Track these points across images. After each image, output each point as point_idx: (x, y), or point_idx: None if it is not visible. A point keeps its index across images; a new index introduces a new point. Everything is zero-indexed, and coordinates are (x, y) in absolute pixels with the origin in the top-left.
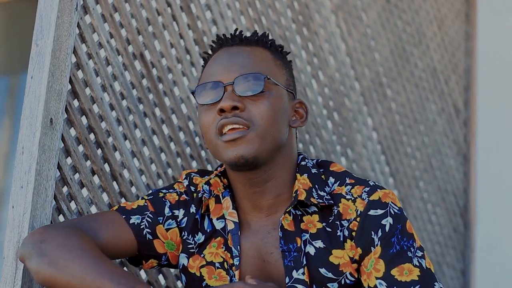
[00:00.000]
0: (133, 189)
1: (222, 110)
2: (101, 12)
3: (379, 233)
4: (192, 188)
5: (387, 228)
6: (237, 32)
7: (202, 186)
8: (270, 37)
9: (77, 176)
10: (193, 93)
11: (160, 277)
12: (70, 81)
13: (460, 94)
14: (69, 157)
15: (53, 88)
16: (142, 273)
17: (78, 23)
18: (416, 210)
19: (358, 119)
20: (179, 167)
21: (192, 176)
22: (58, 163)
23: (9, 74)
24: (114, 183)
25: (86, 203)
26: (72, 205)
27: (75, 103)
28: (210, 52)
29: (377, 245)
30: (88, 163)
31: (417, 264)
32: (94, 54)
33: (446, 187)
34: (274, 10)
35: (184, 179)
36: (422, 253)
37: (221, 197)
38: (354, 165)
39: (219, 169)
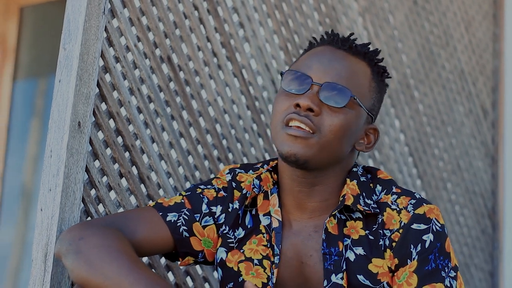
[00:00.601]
0: (161, 192)
1: (298, 106)
2: (128, 15)
3: (418, 248)
4: (234, 185)
5: (426, 244)
6: (350, 38)
7: (253, 180)
8: (378, 54)
9: (105, 179)
10: (281, 74)
11: (188, 279)
12: (98, 85)
13: (487, 95)
14: (97, 160)
15: (81, 91)
16: (170, 275)
17: (105, 26)
18: (444, 212)
19: (386, 121)
20: (206, 169)
21: (236, 172)
22: (86, 166)
23: (38, 76)
24: (142, 185)
25: (114, 205)
26: (100, 207)
27: (103, 106)
28: (318, 40)
29: (414, 259)
30: (116, 166)
31: (448, 285)
32: (121, 58)
33: (474, 189)
34: (301, 13)
35: (227, 174)
36: (455, 274)
37: (269, 193)
38: (381, 167)
39: (266, 166)
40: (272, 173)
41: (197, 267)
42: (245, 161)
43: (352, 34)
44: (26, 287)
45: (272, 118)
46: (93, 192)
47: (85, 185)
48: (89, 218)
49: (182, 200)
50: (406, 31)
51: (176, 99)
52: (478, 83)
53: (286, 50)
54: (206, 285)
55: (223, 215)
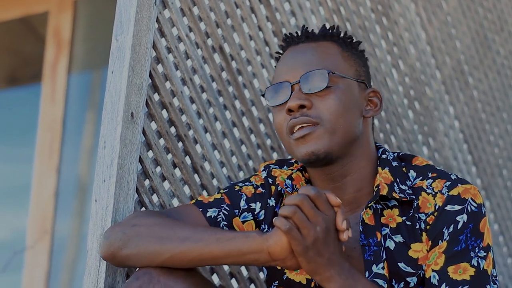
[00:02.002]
0: (214, 182)
1: (290, 110)
2: (179, 6)
3: (451, 229)
4: (270, 180)
5: (459, 225)
6: (303, 29)
7: (285, 181)
8: (339, 30)
9: (158, 169)
10: (262, 95)
11: (243, 268)
12: (150, 75)
13: None
14: (150, 151)
15: (134, 82)
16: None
17: (157, 17)
18: (499, 199)
19: (440, 108)
20: (259, 158)
21: (271, 168)
22: (140, 156)
23: (92, 69)
24: (196, 175)
25: (168, 196)
26: (154, 198)
27: (156, 97)
28: (281, 52)
29: (445, 239)
30: (170, 156)
31: (475, 264)
32: (173, 48)
33: None
34: (353, 0)
35: (263, 171)
36: (485, 254)
37: None
38: (436, 154)
39: (300, 163)
40: (303, 171)
41: (243, 268)
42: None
43: (303, 26)
44: (82, 278)
45: (278, 136)
46: (147, 182)
47: (139, 176)
48: (143, 208)
49: (222, 197)
50: (460, 16)
51: (228, 88)
52: None
53: None
54: (261, 274)
55: (263, 211)
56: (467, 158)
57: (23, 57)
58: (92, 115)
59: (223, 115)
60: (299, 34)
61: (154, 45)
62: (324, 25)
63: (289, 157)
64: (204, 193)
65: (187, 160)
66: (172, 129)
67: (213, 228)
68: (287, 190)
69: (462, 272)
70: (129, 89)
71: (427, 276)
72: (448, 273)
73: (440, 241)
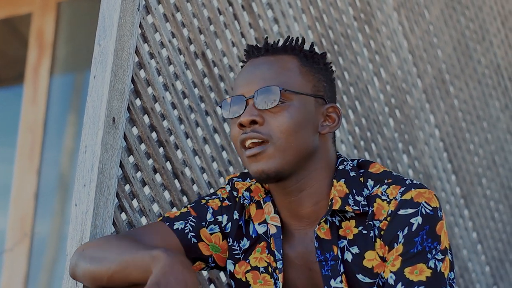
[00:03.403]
0: (195, 187)
1: (241, 125)
2: (163, 12)
3: (405, 231)
4: (234, 193)
5: (413, 227)
6: (265, 42)
7: (243, 193)
8: (302, 42)
9: (139, 174)
10: (220, 106)
11: (222, 274)
12: (132, 81)
13: None
14: (131, 156)
15: (116, 87)
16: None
17: (140, 23)
18: (478, 207)
19: (420, 116)
20: (240, 165)
21: (234, 181)
22: (121, 161)
23: (74, 71)
24: (176, 181)
25: (148, 201)
26: (134, 203)
27: (137, 102)
28: (242, 64)
29: (400, 242)
30: (150, 161)
31: (432, 266)
32: (156, 54)
33: (510, 184)
34: (336, 8)
35: (227, 184)
36: (443, 257)
37: (262, 202)
38: (416, 163)
39: None
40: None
41: (221, 274)
42: None
43: (266, 37)
44: (61, 280)
45: (235, 149)
46: (127, 187)
47: (119, 180)
48: (123, 213)
49: (188, 210)
50: (442, 25)
51: (210, 94)
52: None
53: (321, 45)
54: None
55: (229, 223)
56: (447, 167)
57: (5, 58)
58: (74, 117)
59: (204, 121)
60: (259, 47)
61: (137, 50)
62: (288, 37)
63: None
64: (185, 199)
65: (168, 165)
66: (153, 135)
67: (144, 246)
68: (244, 202)
69: (418, 273)
70: (111, 94)
71: (385, 277)
72: (405, 274)
73: (395, 244)
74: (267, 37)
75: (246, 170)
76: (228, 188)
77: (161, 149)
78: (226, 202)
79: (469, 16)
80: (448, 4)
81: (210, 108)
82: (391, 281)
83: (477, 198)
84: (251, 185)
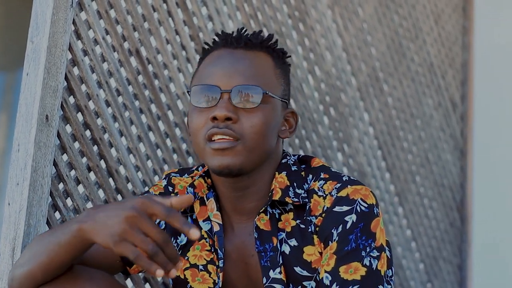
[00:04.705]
0: (129, 186)
1: (215, 118)
2: (96, 8)
3: (339, 229)
4: (170, 188)
5: (348, 225)
6: (243, 33)
7: (186, 189)
8: (275, 42)
9: (73, 172)
10: (188, 91)
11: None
12: (66, 78)
13: (457, 88)
14: (65, 154)
15: (49, 85)
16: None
17: (73, 20)
18: (412, 205)
19: (355, 114)
20: (175, 163)
21: (171, 176)
22: (54, 159)
23: (6, 70)
24: (110, 179)
25: (82, 199)
26: (68, 201)
27: (71, 99)
28: (211, 45)
29: (334, 240)
30: (84, 159)
31: (367, 264)
32: (89, 51)
33: (443, 182)
34: (270, 6)
35: (163, 179)
36: (378, 254)
37: (205, 198)
38: (350, 160)
39: (201, 169)
40: (206, 178)
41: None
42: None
43: (242, 28)
44: None
45: (192, 136)
46: (61, 186)
47: (53, 179)
48: (57, 212)
49: None
50: (376, 24)
51: (144, 92)
52: (447, 76)
53: None
54: None
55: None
56: (381, 165)
57: None
58: (5, 117)
59: (138, 119)
60: (239, 38)
61: (70, 47)
62: (261, 31)
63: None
64: (119, 197)
65: (102, 163)
66: (87, 133)
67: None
68: None
69: (353, 271)
70: (44, 92)
71: (320, 277)
72: (339, 273)
73: (330, 241)
74: (243, 28)
75: (181, 167)
76: (164, 183)
77: (95, 147)
78: None
79: (403, 15)
80: (382, 3)
81: (144, 106)
82: (326, 282)
83: (411, 195)
84: (194, 180)
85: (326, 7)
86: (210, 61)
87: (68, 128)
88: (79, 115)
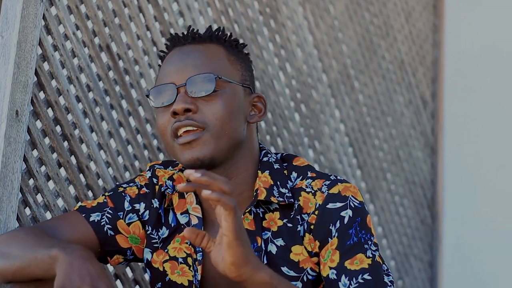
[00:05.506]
0: (100, 182)
1: (175, 113)
2: (66, 3)
3: (337, 225)
4: (155, 180)
5: (345, 220)
6: (191, 30)
7: (165, 182)
8: (225, 32)
9: (43, 168)
10: (147, 95)
11: (128, 270)
12: (36, 73)
13: (427, 86)
14: (35, 150)
15: (19, 80)
16: (109, 266)
17: (43, 14)
18: (383, 202)
19: (326, 111)
20: (146, 159)
21: (155, 168)
22: (24, 155)
23: None
24: (81, 175)
25: (52, 195)
26: (39, 197)
27: (41, 95)
28: (165, 51)
29: (334, 236)
30: (55, 155)
31: (370, 255)
32: (60, 46)
33: (414, 179)
34: (241, 2)
35: (148, 170)
36: (375, 248)
37: (184, 192)
38: (321, 157)
39: None
40: None
41: (128, 270)
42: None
43: (190, 26)
44: None
45: (161, 138)
46: (31, 181)
47: (23, 175)
48: (27, 208)
49: (105, 200)
50: (347, 21)
51: (115, 88)
52: (418, 74)
53: None
54: (146, 276)
55: (147, 211)
56: (352, 162)
57: None
58: None
59: (109, 115)
60: (186, 35)
61: (40, 42)
62: (210, 26)
63: None
64: (90, 193)
65: (73, 159)
66: (58, 128)
67: (47, 239)
68: (167, 191)
69: (359, 263)
70: (14, 87)
71: (324, 274)
72: (346, 266)
73: (329, 238)
74: (190, 26)
75: (154, 162)
76: (149, 174)
77: (65, 143)
78: (144, 189)
79: (374, 12)
80: (353, 0)
81: (115, 101)
82: (333, 276)
83: (382, 193)
84: (173, 174)
85: (297, 4)
86: (164, 63)
87: (38, 124)
88: (49, 111)
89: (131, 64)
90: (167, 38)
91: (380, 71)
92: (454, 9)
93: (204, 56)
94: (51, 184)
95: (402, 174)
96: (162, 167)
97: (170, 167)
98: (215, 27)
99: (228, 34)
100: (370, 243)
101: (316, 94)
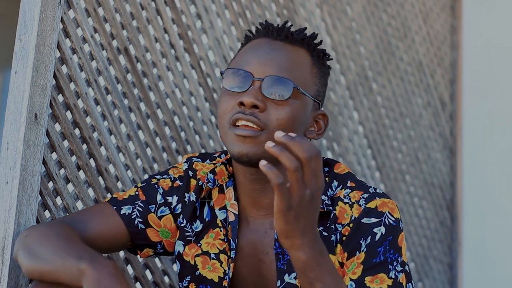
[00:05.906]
0: (119, 184)
1: (242, 104)
2: (84, 6)
3: (368, 240)
4: (191, 173)
5: (377, 237)
6: (286, 26)
7: (207, 175)
8: (318, 41)
9: (62, 171)
10: (222, 73)
11: (148, 272)
12: (54, 76)
13: (446, 87)
14: (54, 152)
15: (37, 83)
16: (129, 268)
17: (61, 17)
18: (402, 204)
19: (344, 113)
20: (164, 162)
21: (193, 161)
22: (43, 158)
23: None
24: (100, 178)
25: (71, 198)
26: (58, 200)
27: (60, 98)
28: (254, 33)
29: (362, 251)
30: (74, 158)
31: (393, 276)
32: (78, 49)
33: (433, 181)
34: (259, 4)
35: (184, 162)
36: (402, 268)
37: (224, 186)
38: (340, 159)
39: (224, 156)
40: (228, 165)
41: (157, 260)
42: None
43: (286, 22)
44: None
45: (218, 119)
46: (50, 184)
47: (42, 178)
48: (46, 211)
49: (137, 192)
50: (364, 22)
51: (133, 90)
52: (436, 75)
53: None
54: (166, 278)
55: (180, 205)
56: (370, 163)
57: None
58: None
59: (128, 118)
60: (280, 30)
61: (59, 45)
62: (305, 28)
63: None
64: (109, 196)
65: (92, 162)
66: (76, 131)
67: (77, 246)
68: (208, 185)
69: (379, 281)
70: (33, 90)
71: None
72: (365, 282)
73: (357, 252)
74: (288, 22)
75: (191, 154)
76: (185, 166)
77: (84, 146)
78: (178, 182)
79: (391, 13)
80: (370, 1)
81: (133, 104)
82: None
83: (401, 194)
84: (215, 167)
85: (314, 6)
86: (249, 48)
87: (57, 127)
88: (68, 114)
89: (149, 66)
90: (260, 23)
91: (398, 73)
92: (472, 10)
93: (290, 60)
94: (70, 187)
95: (421, 176)
96: (200, 160)
97: (207, 160)
98: (308, 31)
99: (319, 41)
100: (395, 263)
101: (334, 96)
